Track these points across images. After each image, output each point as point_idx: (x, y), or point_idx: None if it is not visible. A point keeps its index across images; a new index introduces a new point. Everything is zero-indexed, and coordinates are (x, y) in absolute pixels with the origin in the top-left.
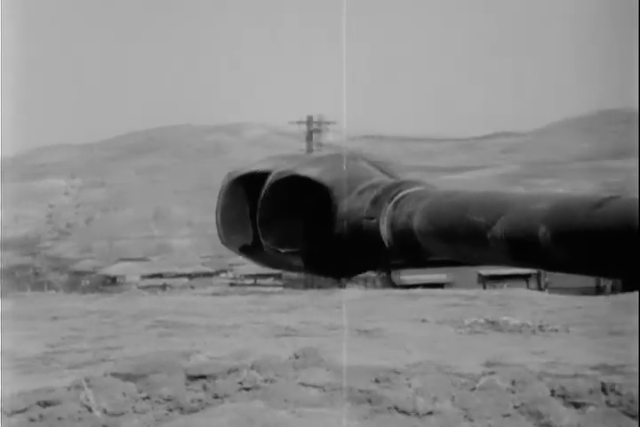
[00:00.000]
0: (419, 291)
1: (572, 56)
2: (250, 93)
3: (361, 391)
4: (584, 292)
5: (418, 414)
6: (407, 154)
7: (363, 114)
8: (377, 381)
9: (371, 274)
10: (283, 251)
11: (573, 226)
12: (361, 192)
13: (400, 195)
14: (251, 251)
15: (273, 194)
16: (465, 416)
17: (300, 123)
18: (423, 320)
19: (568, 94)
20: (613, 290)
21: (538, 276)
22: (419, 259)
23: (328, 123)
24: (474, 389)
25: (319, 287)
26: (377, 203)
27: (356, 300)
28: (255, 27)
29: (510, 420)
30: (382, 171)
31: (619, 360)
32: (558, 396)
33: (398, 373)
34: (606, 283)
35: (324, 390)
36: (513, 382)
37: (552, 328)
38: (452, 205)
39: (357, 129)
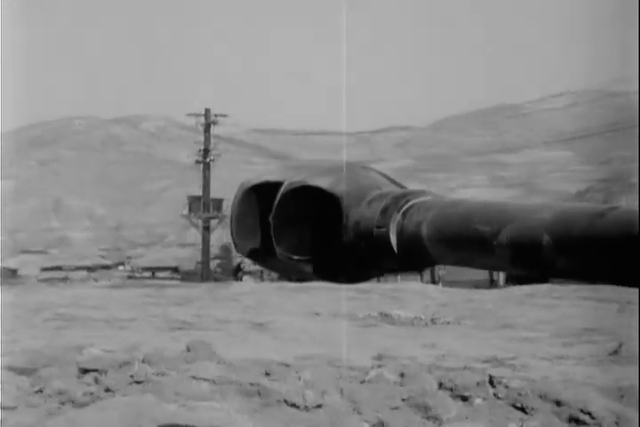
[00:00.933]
0: (314, 284)
1: (470, 50)
2: (149, 85)
3: (251, 385)
4: (477, 285)
5: (307, 407)
6: (302, 147)
7: (257, 107)
8: (267, 374)
9: None
10: (295, 258)
11: (576, 235)
12: (370, 202)
13: (408, 204)
14: (260, 256)
15: (286, 203)
16: (354, 409)
17: (198, 115)
18: (317, 313)
19: (465, 88)
20: (507, 283)
21: (432, 269)
22: (426, 265)
23: (223, 116)
24: (363, 382)
25: (216, 280)
26: (386, 212)
27: (251, 293)
28: (158, 20)
29: (398, 412)
30: (391, 181)
31: (508, 353)
32: (446, 389)
33: (288, 366)
34: (499, 276)
35: (215, 384)
36: (402, 375)
37: (444, 321)
38: (458, 214)
39: (252, 122)
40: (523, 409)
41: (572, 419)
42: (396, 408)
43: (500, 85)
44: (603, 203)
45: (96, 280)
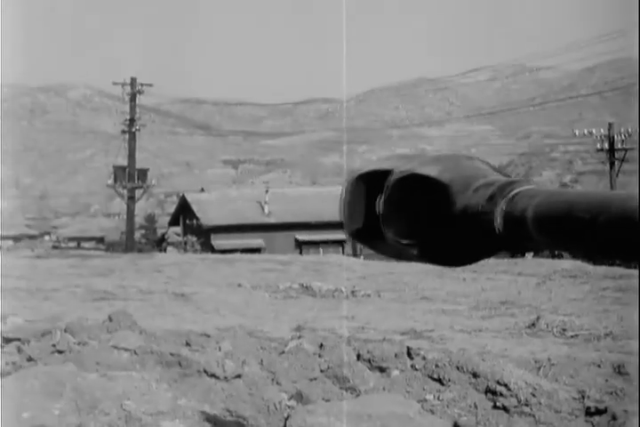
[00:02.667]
0: (236, 256)
1: (392, 23)
2: (76, 53)
3: (172, 355)
4: None
5: (226, 377)
6: (226, 118)
7: (181, 77)
8: (187, 344)
9: (191, 238)
10: (404, 242)
11: None
12: (476, 189)
13: (513, 192)
14: (365, 237)
15: (395, 190)
16: (272, 380)
17: (123, 84)
18: (239, 285)
19: (386, 61)
20: None
21: (353, 241)
22: (528, 249)
23: (149, 85)
24: (282, 353)
25: (140, 251)
26: (492, 199)
27: (174, 264)
28: None
29: (317, 383)
30: (495, 170)
31: (427, 326)
32: (364, 360)
33: (209, 336)
34: None
35: (135, 354)
36: (321, 347)
37: (364, 293)
38: (561, 202)
39: (176, 92)
40: (440, 381)
41: (489, 390)
42: (315, 379)
43: (420, 59)
44: (524, 176)
45: (32, 250)
